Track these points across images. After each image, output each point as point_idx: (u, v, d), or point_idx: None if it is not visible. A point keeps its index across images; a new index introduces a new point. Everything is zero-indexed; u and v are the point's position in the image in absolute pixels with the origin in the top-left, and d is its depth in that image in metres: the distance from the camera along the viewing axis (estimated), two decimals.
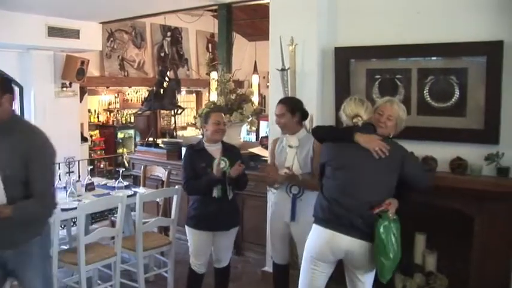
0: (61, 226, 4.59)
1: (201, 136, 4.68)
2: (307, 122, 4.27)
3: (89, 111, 10.83)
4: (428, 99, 4.15)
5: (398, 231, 3.07)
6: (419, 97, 4.18)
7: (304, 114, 3.93)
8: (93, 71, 9.56)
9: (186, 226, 4.06)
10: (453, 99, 4.04)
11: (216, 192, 3.88)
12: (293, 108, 3.85)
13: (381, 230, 2.99)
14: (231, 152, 4.04)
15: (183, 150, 5.68)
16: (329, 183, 3.24)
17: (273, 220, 4.03)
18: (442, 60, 4.13)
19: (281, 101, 3.95)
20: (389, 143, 3.15)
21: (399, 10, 4.25)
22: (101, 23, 8.30)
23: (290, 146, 3.87)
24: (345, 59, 4.48)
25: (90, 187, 5.05)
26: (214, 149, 3.99)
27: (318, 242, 3.19)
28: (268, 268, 4.72)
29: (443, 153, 3.92)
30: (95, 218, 5.06)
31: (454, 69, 4.04)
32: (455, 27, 3.97)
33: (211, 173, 3.82)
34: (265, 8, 5.38)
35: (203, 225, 3.95)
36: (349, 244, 3.08)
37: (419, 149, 3.65)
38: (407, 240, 3.49)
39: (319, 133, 3.52)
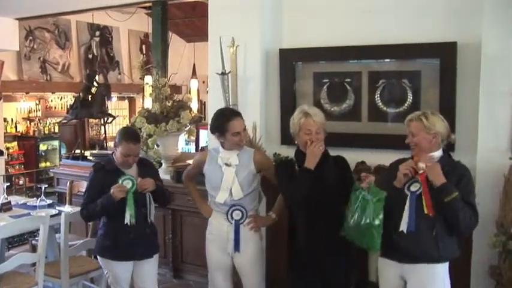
0: None
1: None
2: (250, 131, 4.28)
3: (5, 120, 10.50)
4: (380, 104, 4.26)
5: None
6: (370, 102, 4.29)
7: None
8: (9, 74, 9.33)
9: (98, 257, 3.86)
10: (406, 104, 4.16)
11: (128, 219, 3.62)
12: None
13: None
14: (146, 167, 3.87)
15: None
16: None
17: (212, 252, 3.76)
18: (394, 63, 4.27)
19: (239, 115, 3.68)
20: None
21: (349, 10, 4.35)
22: (17, 19, 8.07)
23: (227, 165, 3.62)
24: (290, 61, 4.55)
25: (6, 207, 4.88)
26: (129, 169, 3.76)
27: None
28: None
29: None
30: (12, 242, 4.90)
31: (407, 72, 4.18)
32: (408, 28, 4.11)
33: (108, 195, 3.57)
34: (204, 5, 5.41)
35: (121, 255, 3.72)
36: None
37: (371, 158, 3.74)
38: (359, 257, 3.55)
39: None
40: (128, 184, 3.60)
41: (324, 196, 3.30)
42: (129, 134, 3.78)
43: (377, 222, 3.15)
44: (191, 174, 4.01)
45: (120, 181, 3.61)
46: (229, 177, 3.60)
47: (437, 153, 3.19)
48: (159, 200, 3.86)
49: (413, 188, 3.17)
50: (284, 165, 3.64)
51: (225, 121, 3.59)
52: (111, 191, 3.56)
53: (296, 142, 3.49)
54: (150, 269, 3.90)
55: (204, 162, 3.75)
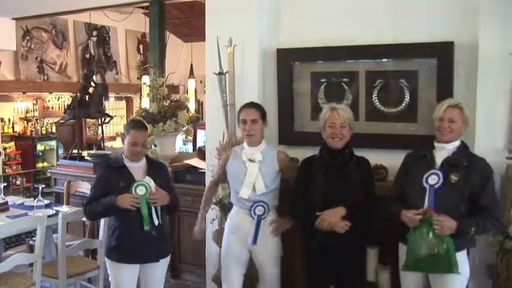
0: None
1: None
2: None
3: (2, 120, 10.53)
4: (378, 104, 4.26)
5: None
6: (367, 102, 4.29)
7: None
8: (6, 74, 9.32)
9: (106, 258, 3.81)
10: (403, 104, 4.16)
11: (146, 225, 3.57)
12: (265, 115, 3.80)
13: None
14: (157, 169, 3.80)
15: None
16: None
17: (232, 247, 3.82)
18: (391, 63, 4.26)
19: (252, 105, 3.81)
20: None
21: (346, 9, 4.35)
22: (14, 19, 8.05)
23: (251, 161, 3.71)
24: (288, 61, 4.54)
25: (3, 207, 4.89)
26: (136, 166, 3.70)
27: None
28: None
29: (394, 161, 4.00)
30: (9, 243, 4.89)
31: (404, 72, 4.17)
32: (405, 28, 4.10)
33: (113, 200, 3.52)
34: (201, 5, 5.40)
35: (127, 258, 3.67)
36: None
37: (368, 157, 3.72)
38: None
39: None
40: (141, 191, 3.53)
41: (345, 194, 3.38)
42: (136, 122, 3.86)
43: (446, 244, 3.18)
44: (218, 178, 4.06)
45: (133, 188, 3.52)
46: (253, 172, 3.69)
47: (457, 143, 3.31)
48: (168, 209, 3.83)
49: (431, 181, 3.20)
50: (303, 165, 3.74)
51: (239, 110, 3.84)
52: (118, 197, 3.51)
53: (323, 137, 3.57)
54: (155, 274, 3.82)
55: (228, 160, 3.86)
